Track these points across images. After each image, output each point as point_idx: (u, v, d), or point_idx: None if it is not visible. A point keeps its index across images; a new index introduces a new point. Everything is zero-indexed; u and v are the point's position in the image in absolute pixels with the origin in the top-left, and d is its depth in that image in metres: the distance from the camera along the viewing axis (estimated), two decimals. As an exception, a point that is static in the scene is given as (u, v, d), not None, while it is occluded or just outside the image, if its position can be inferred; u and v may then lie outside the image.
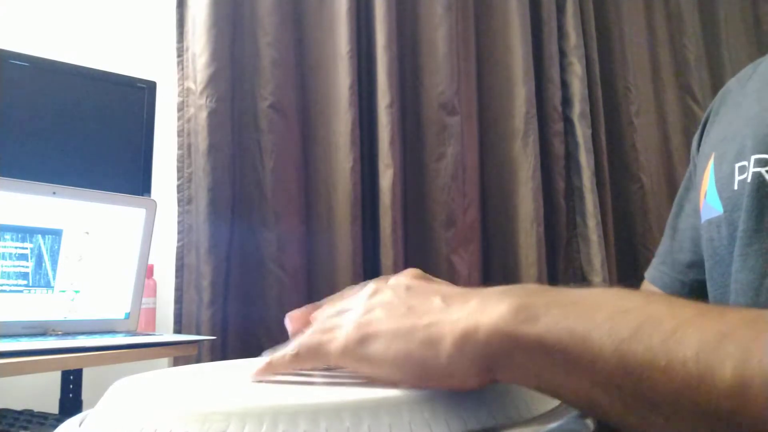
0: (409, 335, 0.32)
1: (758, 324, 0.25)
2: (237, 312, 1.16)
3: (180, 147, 1.18)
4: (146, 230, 1.01)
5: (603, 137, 1.54)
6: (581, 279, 1.44)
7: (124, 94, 1.12)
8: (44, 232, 0.91)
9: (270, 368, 0.36)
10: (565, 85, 1.51)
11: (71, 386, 1.02)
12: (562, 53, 1.52)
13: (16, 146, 1.00)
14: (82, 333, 0.92)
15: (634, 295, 0.30)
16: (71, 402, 1.01)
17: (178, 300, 1.15)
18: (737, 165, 0.54)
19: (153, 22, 1.34)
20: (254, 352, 0.41)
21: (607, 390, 0.27)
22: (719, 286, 0.57)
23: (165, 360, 1.05)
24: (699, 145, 0.66)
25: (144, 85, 1.14)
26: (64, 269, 0.93)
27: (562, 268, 1.46)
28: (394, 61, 1.30)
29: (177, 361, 1.02)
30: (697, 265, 0.65)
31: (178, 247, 1.15)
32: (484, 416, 0.31)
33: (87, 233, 0.96)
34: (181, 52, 1.20)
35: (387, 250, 1.24)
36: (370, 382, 0.34)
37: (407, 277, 0.38)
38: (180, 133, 1.18)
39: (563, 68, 1.51)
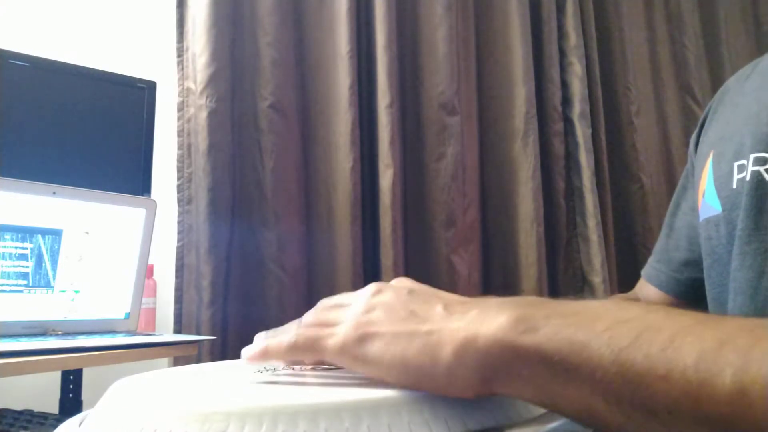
0: (408, 340, 0.32)
1: (757, 332, 0.25)
2: (237, 312, 1.16)
3: (180, 147, 1.18)
4: (146, 230, 1.01)
5: (603, 137, 1.54)
6: (581, 279, 1.44)
7: (124, 94, 1.12)
8: (44, 232, 0.91)
9: (265, 354, 0.36)
10: (565, 85, 1.51)
11: (71, 386, 1.02)
12: (562, 53, 1.52)
13: (16, 146, 1.00)
14: (82, 333, 0.92)
15: (634, 306, 0.30)
16: (71, 402, 1.01)
17: (178, 300, 1.15)
18: (736, 164, 0.54)
19: (153, 22, 1.34)
20: (254, 352, 0.41)
21: (606, 399, 0.27)
22: (717, 284, 0.57)
23: (165, 360, 1.06)
24: (697, 144, 0.66)
25: (144, 85, 1.14)
26: (64, 269, 0.93)
27: (562, 268, 1.46)
28: (394, 61, 1.30)
29: (177, 361, 1.02)
30: (692, 263, 0.65)
31: (178, 247, 1.15)
32: (483, 416, 0.31)
33: (87, 233, 0.96)
34: (181, 52, 1.20)
35: (387, 250, 1.24)
36: (370, 382, 0.34)
37: (409, 280, 0.38)
38: (180, 133, 1.18)
39: (563, 68, 1.51)
